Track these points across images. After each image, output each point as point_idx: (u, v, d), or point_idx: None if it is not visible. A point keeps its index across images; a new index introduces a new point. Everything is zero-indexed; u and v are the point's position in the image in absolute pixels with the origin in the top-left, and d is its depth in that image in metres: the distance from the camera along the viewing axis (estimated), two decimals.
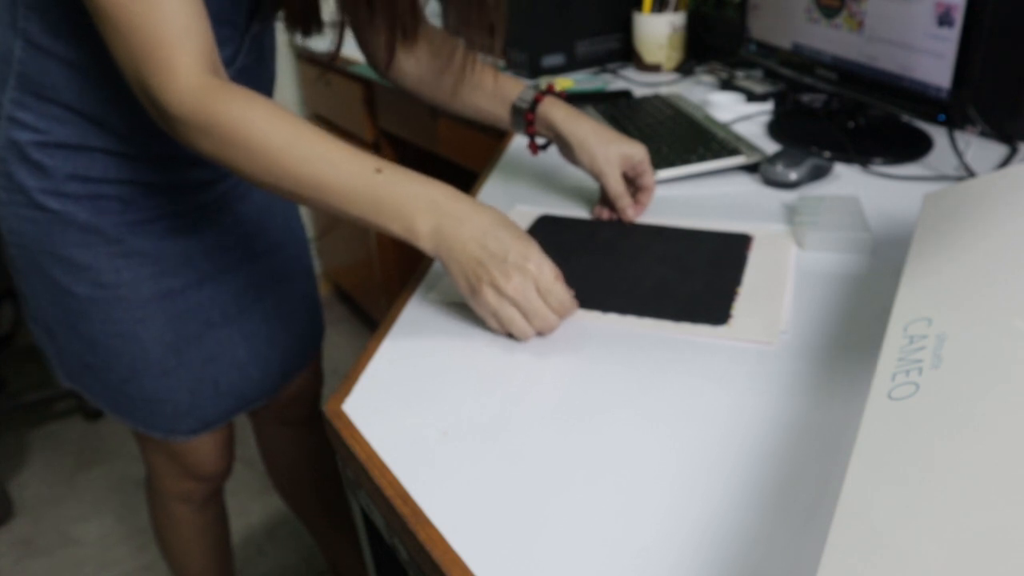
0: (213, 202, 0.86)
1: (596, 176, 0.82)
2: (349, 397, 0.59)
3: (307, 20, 0.75)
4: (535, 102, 0.84)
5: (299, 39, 0.77)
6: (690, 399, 0.55)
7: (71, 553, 1.63)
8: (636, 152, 0.81)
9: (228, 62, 0.77)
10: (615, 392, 0.56)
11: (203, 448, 0.97)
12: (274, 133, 0.61)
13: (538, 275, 0.62)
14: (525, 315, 0.62)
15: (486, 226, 0.62)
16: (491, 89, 0.86)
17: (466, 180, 1.85)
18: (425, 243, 0.62)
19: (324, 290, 2.51)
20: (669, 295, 0.67)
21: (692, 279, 0.70)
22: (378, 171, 0.61)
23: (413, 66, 0.88)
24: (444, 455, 0.52)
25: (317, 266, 2.47)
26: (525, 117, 0.85)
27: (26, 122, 0.74)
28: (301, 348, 1.02)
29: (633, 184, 0.84)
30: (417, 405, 0.57)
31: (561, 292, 0.63)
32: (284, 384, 1.01)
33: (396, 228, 0.62)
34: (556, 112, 0.83)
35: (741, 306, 0.65)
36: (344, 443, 0.54)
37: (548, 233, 0.81)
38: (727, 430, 0.52)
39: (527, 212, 0.87)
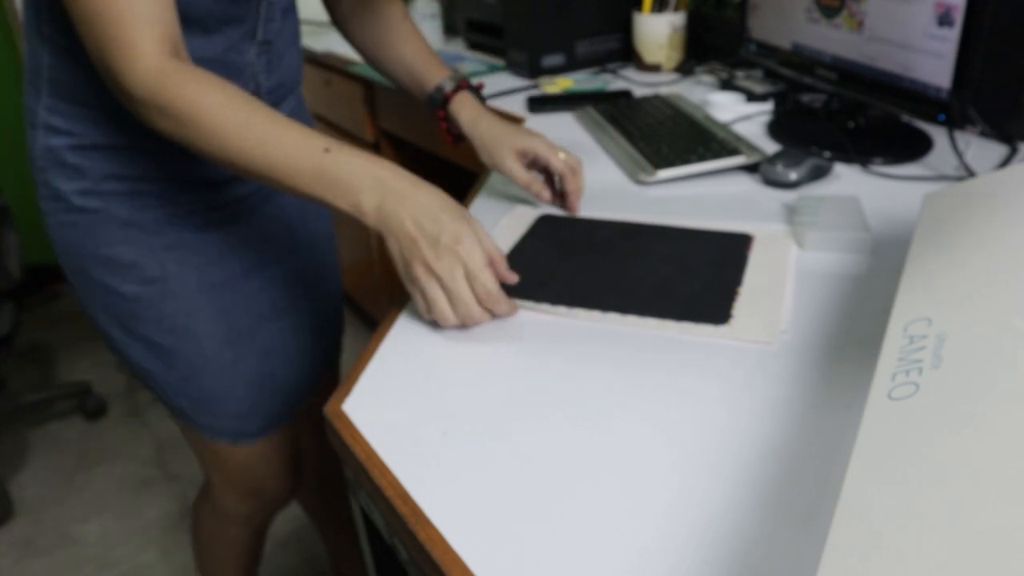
0: (252, 195, 0.87)
1: (501, 174, 0.87)
2: (349, 397, 0.58)
3: None
4: (446, 100, 0.89)
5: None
6: (690, 399, 0.55)
7: (71, 553, 1.63)
8: (530, 145, 0.85)
9: (251, 35, 0.78)
10: (615, 392, 0.56)
11: (269, 459, 0.96)
12: (228, 116, 0.63)
13: (467, 259, 0.62)
14: (450, 299, 0.63)
15: (426, 205, 0.63)
16: (417, 71, 0.91)
17: (466, 180, 1.85)
18: (369, 219, 0.63)
19: None
20: (670, 295, 0.67)
21: (693, 279, 0.70)
22: (327, 151, 0.63)
23: (365, 29, 0.93)
24: (444, 455, 0.52)
25: None
26: (437, 114, 0.90)
27: (61, 127, 0.75)
28: (333, 342, 1.04)
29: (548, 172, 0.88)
30: (417, 405, 0.57)
31: (488, 281, 0.63)
32: (327, 376, 1.02)
33: (343, 205, 0.63)
34: (462, 114, 0.88)
35: (742, 306, 0.65)
36: (344, 443, 0.54)
37: (549, 233, 0.81)
38: (727, 430, 0.52)
39: (527, 212, 0.87)
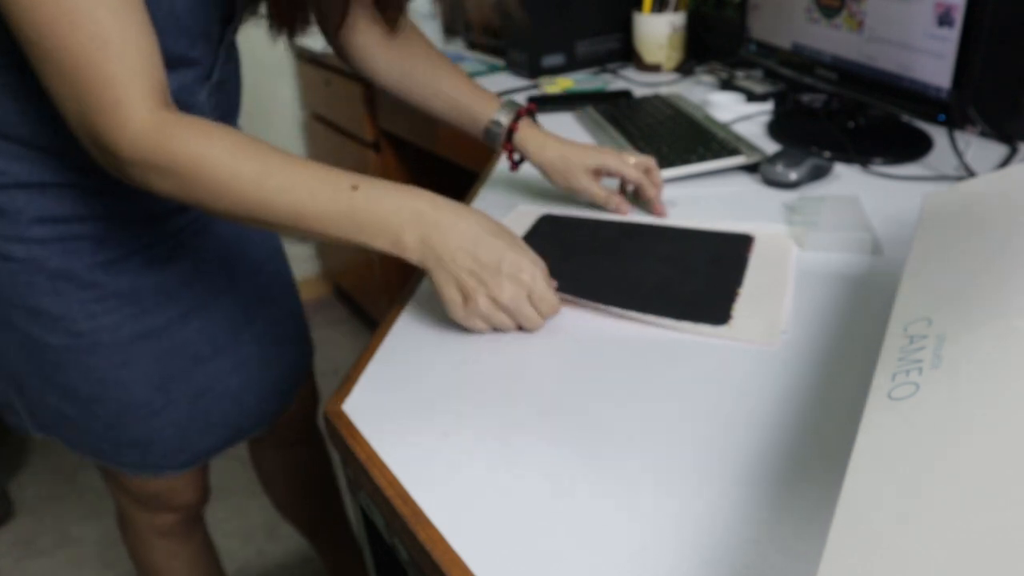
0: (188, 226, 0.81)
1: (578, 195, 0.85)
2: (349, 397, 0.58)
3: (293, 16, 0.71)
4: (511, 131, 0.85)
5: (285, 39, 0.73)
6: (690, 398, 0.55)
7: (71, 553, 1.63)
8: (601, 162, 0.83)
9: (206, 76, 0.73)
10: (615, 391, 0.56)
11: (178, 482, 0.92)
12: (241, 166, 0.58)
13: (532, 285, 0.62)
14: (516, 320, 0.63)
15: (475, 234, 0.61)
16: (463, 105, 0.86)
17: (466, 180, 1.85)
18: (413, 256, 0.61)
19: (324, 290, 2.51)
20: (671, 294, 0.68)
21: (693, 279, 0.70)
22: (354, 188, 0.59)
23: (390, 61, 0.86)
24: (444, 455, 0.52)
25: (317, 267, 2.47)
26: (504, 147, 0.86)
27: None
28: (295, 367, 0.99)
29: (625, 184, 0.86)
30: (417, 405, 0.57)
31: (552, 298, 0.64)
32: (281, 411, 0.96)
33: (381, 244, 0.60)
34: (528, 143, 0.85)
35: (742, 306, 0.65)
36: (344, 443, 0.54)
37: (550, 232, 0.81)
38: (727, 429, 0.52)
39: (528, 211, 0.87)
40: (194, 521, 1.03)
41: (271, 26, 0.73)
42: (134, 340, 0.78)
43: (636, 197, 0.87)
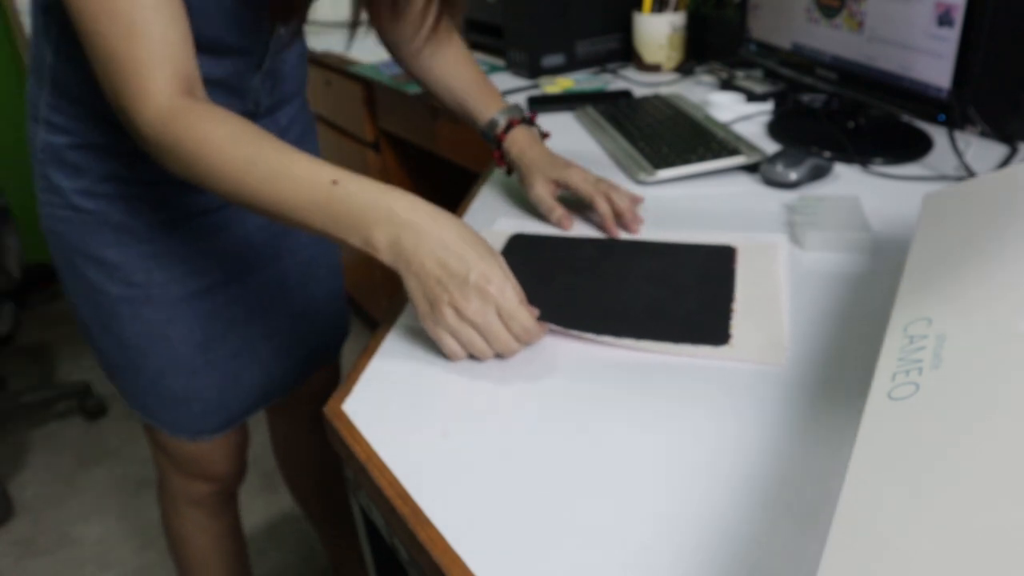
0: None
1: (532, 201, 0.86)
2: (349, 397, 0.59)
3: (288, 10, 0.72)
4: (499, 140, 0.88)
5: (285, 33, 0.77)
6: (690, 399, 0.55)
7: (71, 553, 1.63)
8: (564, 175, 0.84)
9: (257, 65, 0.78)
10: (616, 392, 0.56)
11: (215, 450, 0.96)
12: (234, 152, 0.60)
13: (500, 299, 0.59)
14: (485, 338, 0.60)
15: (447, 241, 0.59)
16: (469, 105, 0.91)
17: (466, 180, 1.85)
18: (383, 256, 0.60)
19: None
20: (663, 315, 0.65)
21: (683, 297, 0.67)
22: (334, 183, 0.60)
23: (423, 56, 0.91)
24: (444, 455, 0.52)
25: None
26: (493, 154, 0.91)
27: (61, 125, 0.76)
28: (324, 345, 1.03)
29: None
30: (417, 405, 0.57)
31: (524, 317, 0.60)
32: (303, 380, 1.02)
33: (354, 240, 0.60)
34: (512, 146, 0.88)
35: (739, 323, 0.63)
36: (344, 443, 0.55)
37: (525, 253, 0.78)
38: (727, 429, 0.52)
39: (501, 231, 0.83)
40: (226, 499, 1.07)
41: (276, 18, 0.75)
42: (181, 299, 0.84)
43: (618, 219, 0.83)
